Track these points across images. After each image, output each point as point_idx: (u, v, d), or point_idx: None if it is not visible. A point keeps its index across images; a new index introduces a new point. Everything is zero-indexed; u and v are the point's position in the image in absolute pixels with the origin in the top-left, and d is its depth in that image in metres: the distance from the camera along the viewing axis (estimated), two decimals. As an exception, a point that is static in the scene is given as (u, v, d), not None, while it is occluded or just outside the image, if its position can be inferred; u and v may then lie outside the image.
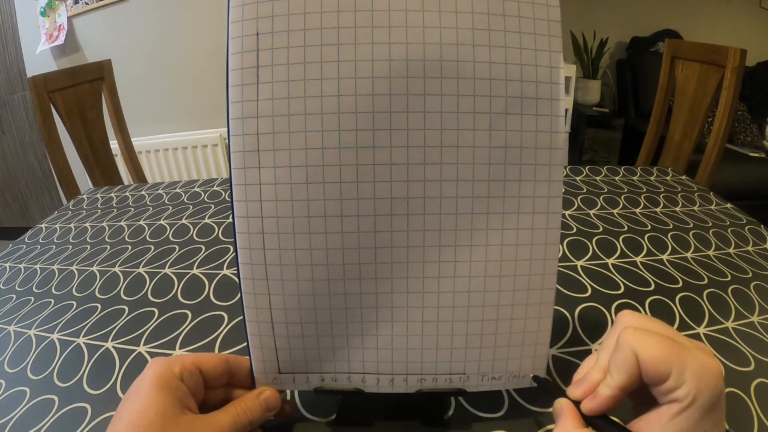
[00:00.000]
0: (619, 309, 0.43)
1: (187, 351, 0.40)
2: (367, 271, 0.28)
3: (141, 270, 0.53)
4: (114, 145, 1.20)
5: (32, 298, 0.50)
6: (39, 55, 1.85)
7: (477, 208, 0.27)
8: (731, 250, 0.54)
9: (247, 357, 0.30)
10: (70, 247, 0.61)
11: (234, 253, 0.28)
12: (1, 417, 0.35)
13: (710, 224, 0.59)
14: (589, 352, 0.38)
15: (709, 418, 0.21)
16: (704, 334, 0.40)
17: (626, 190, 0.70)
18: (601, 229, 0.58)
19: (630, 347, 0.23)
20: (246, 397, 0.28)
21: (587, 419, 0.25)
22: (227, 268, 0.52)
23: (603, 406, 0.24)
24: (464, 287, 0.28)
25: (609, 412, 0.25)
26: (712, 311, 0.43)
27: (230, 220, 0.62)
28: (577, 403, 0.25)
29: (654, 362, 0.22)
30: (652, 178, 0.75)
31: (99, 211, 0.72)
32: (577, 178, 0.74)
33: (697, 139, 1.01)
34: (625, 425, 0.24)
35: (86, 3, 1.77)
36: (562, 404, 0.26)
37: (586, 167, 0.78)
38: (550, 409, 0.33)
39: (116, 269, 0.54)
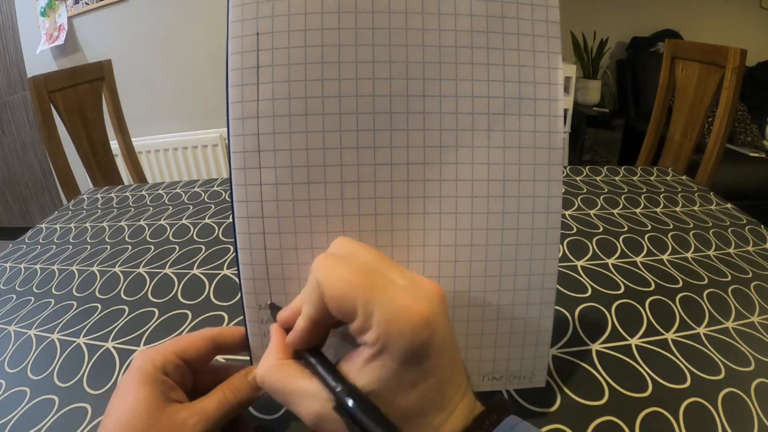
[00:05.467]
0: (619, 309, 0.43)
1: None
2: (368, 272, 0.28)
3: (141, 270, 0.53)
4: (114, 145, 1.20)
5: (32, 298, 0.50)
6: (39, 55, 1.85)
7: (476, 208, 0.28)
8: (731, 250, 0.54)
9: (234, 326, 0.29)
10: (71, 247, 0.61)
11: (234, 254, 0.28)
12: (1, 417, 0.35)
13: (710, 224, 0.59)
14: (589, 352, 0.38)
15: (411, 370, 0.19)
16: (704, 334, 0.40)
17: (626, 190, 0.70)
18: (601, 229, 0.58)
19: (315, 277, 0.20)
20: (233, 378, 0.27)
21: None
22: (227, 268, 0.52)
23: (299, 339, 0.22)
24: (464, 287, 0.28)
25: (310, 345, 0.22)
26: (713, 311, 0.43)
27: (230, 220, 0.62)
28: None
29: (336, 298, 0.19)
30: (652, 178, 0.75)
31: (99, 211, 0.72)
32: (577, 178, 0.74)
33: (697, 139, 1.02)
34: (335, 363, 0.21)
35: (86, 3, 1.77)
36: (272, 329, 0.24)
37: (586, 167, 0.78)
38: (551, 409, 0.33)
39: (116, 269, 0.54)
